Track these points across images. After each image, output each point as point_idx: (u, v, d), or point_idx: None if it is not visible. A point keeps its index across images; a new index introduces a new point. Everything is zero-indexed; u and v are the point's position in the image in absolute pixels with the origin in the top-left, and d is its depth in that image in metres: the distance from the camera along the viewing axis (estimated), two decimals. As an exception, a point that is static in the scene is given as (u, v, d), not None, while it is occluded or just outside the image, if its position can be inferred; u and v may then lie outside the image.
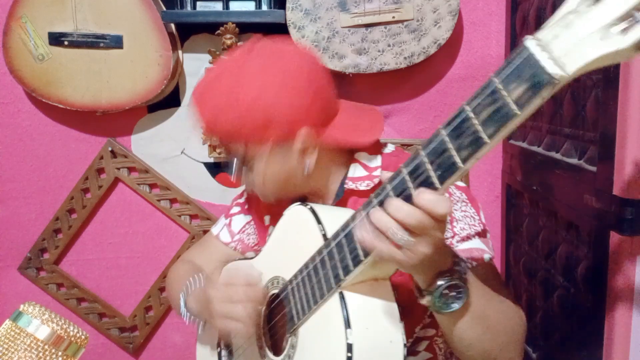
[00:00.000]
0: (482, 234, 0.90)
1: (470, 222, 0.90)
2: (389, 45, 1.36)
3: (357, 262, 0.70)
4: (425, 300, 0.69)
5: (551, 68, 0.50)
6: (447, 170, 0.58)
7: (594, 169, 0.92)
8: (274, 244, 0.97)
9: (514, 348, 0.79)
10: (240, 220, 1.14)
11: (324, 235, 0.79)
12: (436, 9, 1.33)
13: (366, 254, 0.69)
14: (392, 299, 0.75)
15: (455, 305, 0.69)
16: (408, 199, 0.61)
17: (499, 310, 0.77)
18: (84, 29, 1.40)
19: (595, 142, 0.94)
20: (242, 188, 1.19)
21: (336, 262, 0.74)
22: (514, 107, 0.52)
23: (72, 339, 0.65)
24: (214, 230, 1.17)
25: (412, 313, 0.92)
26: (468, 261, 0.86)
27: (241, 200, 1.16)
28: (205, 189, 1.58)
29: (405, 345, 0.73)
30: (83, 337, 0.66)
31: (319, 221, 0.81)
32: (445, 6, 1.33)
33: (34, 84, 1.43)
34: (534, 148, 1.24)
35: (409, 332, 0.95)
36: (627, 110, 0.82)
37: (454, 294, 0.68)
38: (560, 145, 1.10)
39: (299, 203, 0.89)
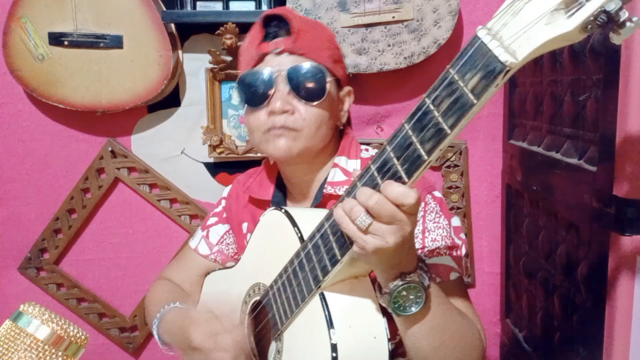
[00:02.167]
0: (452, 248, 0.90)
1: (443, 234, 0.90)
2: (389, 45, 1.36)
3: (334, 261, 0.71)
4: (383, 300, 0.70)
5: (502, 56, 0.51)
6: (413, 163, 0.60)
7: (594, 169, 0.92)
8: (252, 251, 0.97)
9: None
10: (219, 231, 1.14)
11: (301, 238, 0.79)
12: (436, 9, 1.33)
13: (343, 253, 0.69)
14: (373, 295, 0.76)
15: (412, 309, 0.69)
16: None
17: (458, 326, 0.77)
18: (84, 29, 1.40)
19: (595, 142, 0.94)
20: (221, 196, 1.19)
21: (314, 263, 0.74)
22: (471, 96, 0.53)
23: (72, 339, 0.65)
24: (192, 243, 1.16)
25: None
26: (433, 276, 0.86)
27: (218, 210, 1.16)
28: (205, 189, 1.58)
29: (389, 339, 0.74)
30: (83, 337, 0.66)
31: (294, 224, 0.81)
32: (445, 6, 1.33)
33: (34, 84, 1.43)
34: (534, 148, 1.24)
35: (392, 333, 0.96)
36: (627, 110, 0.82)
37: (412, 296, 0.69)
38: (560, 145, 1.10)
39: (273, 208, 0.90)
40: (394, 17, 1.34)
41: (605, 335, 0.88)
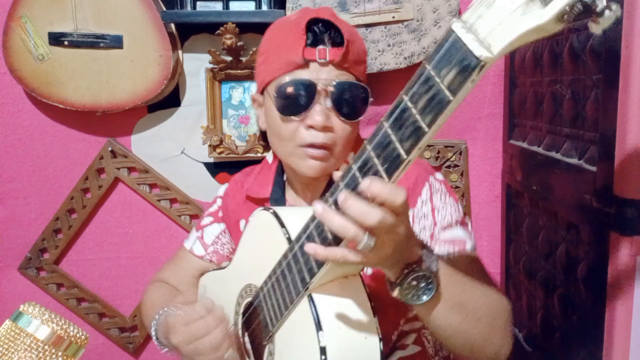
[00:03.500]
0: (463, 223, 0.91)
1: (451, 211, 0.90)
2: (389, 45, 1.36)
3: (319, 264, 0.69)
4: (395, 293, 0.69)
5: (477, 50, 0.49)
6: (392, 162, 0.57)
7: (594, 169, 0.92)
8: (243, 252, 0.96)
9: (500, 336, 0.78)
10: (214, 230, 1.13)
11: (288, 239, 0.77)
12: (436, 9, 1.33)
13: None
14: (363, 294, 0.75)
15: (425, 297, 0.68)
16: (360, 195, 0.60)
17: (477, 297, 0.76)
18: (84, 29, 1.40)
19: (595, 142, 0.94)
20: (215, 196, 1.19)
21: (301, 265, 0.73)
22: (447, 93, 0.52)
23: (72, 339, 0.65)
24: (187, 244, 1.16)
25: (395, 306, 0.92)
26: (450, 251, 0.86)
27: (213, 209, 1.15)
28: (205, 189, 1.58)
29: (380, 339, 0.73)
30: (83, 337, 0.66)
31: (282, 224, 0.80)
32: (445, 6, 1.33)
33: (34, 84, 1.43)
34: (534, 148, 1.24)
35: (394, 324, 0.96)
36: (627, 110, 0.82)
37: (423, 284, 0.68)
38: (560, 145, 1.10)
39: (262, 208, 0.88)
40: (394, 17, 1.34)
41: (605, 335, 0.88)
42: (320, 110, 0.87)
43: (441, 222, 0.88)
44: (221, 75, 1.48)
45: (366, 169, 0.60)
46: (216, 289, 1.05)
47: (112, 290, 1.63)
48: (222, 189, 1.17)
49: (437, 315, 0.71)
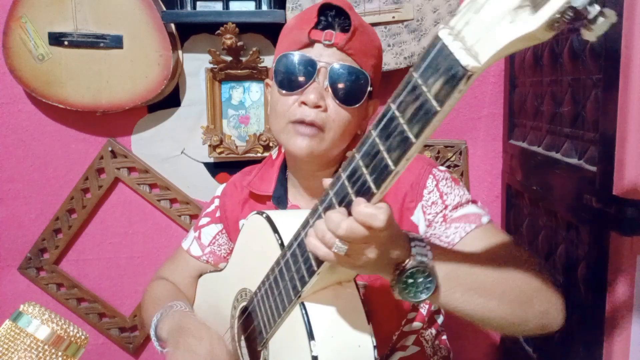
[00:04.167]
0: (474, 201, 0.91)
1: (459, 193, 0.91)
2: (389, 45, 1.36)
3: (311, 272, 0.68)
4: (396, 295, 0.67)
5: (464, 59, 0.47)
6: (381, 173, 0.56)
7: (594, 169, 0.92)
8: (238, 255, 0.95)
9: (539, 305, 0.74)
10: (211, 231, 1.13)
11: (281, 245, 0.77)
12: (436, 9, 1.33)
13: (319, 264, 0.67)
14: (357, 301, 0.73)
15: (424, 294, 0.66)
16: (349, 206, 0.60)
17: (495, 273, 0.73)
18: (84, 29, 1.40)
19: (595, 142, 0.94)
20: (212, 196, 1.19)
21: (293, 273, 0.72)
22: (434, 103, 0.50)
23: (72, 339, 0.65)
24: (184, 244, 1.16)
25: (396, 308, 0.91)
26: (466, 227, 0.85)
27: (211, 209, 1.15)
28: (205, 189, 1.58)
29: (375, 346, 0.71)
30: (83, 337, 0.66)
31: (275, 230, 0.79)
32: (445, 6, 1.33)
33: (34, 84, 1.43)
34: (534, 148, 1.24)
35: (395, 326, 0.95)
36: (627, 110, 0.82)
37: (421, 279, 0.65)
38: (560, 145, 1.10)
39: (255, 212, 0.87)
40: (394, 17, 1.34)
41: (605, 335, 0.88)
42: (316, 89, 0.88)
43: (451, 203, 0.89)
44: (221, 75, 1.48)
45: (355, 178, 0.60)
46: (214, 291, 1.05)
47: (112, 290, 1.63)
48: (219, 188, 1.17)
49: (455, 302, 0.69)
